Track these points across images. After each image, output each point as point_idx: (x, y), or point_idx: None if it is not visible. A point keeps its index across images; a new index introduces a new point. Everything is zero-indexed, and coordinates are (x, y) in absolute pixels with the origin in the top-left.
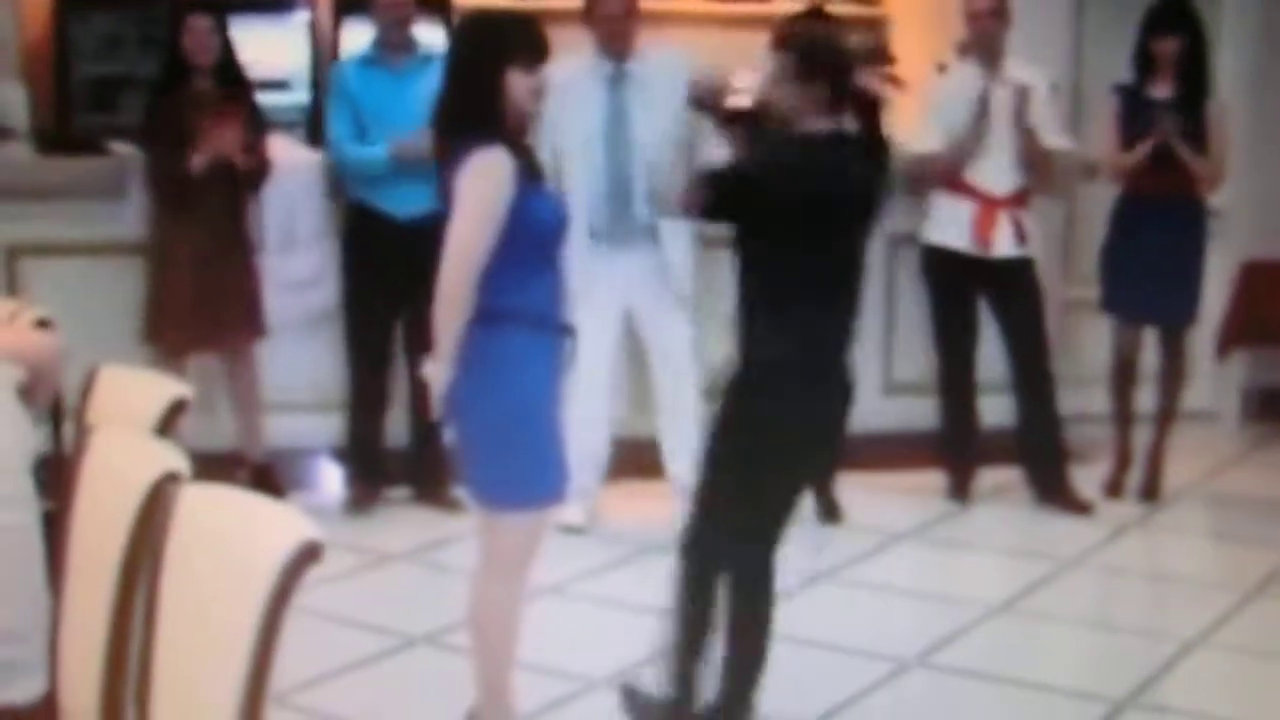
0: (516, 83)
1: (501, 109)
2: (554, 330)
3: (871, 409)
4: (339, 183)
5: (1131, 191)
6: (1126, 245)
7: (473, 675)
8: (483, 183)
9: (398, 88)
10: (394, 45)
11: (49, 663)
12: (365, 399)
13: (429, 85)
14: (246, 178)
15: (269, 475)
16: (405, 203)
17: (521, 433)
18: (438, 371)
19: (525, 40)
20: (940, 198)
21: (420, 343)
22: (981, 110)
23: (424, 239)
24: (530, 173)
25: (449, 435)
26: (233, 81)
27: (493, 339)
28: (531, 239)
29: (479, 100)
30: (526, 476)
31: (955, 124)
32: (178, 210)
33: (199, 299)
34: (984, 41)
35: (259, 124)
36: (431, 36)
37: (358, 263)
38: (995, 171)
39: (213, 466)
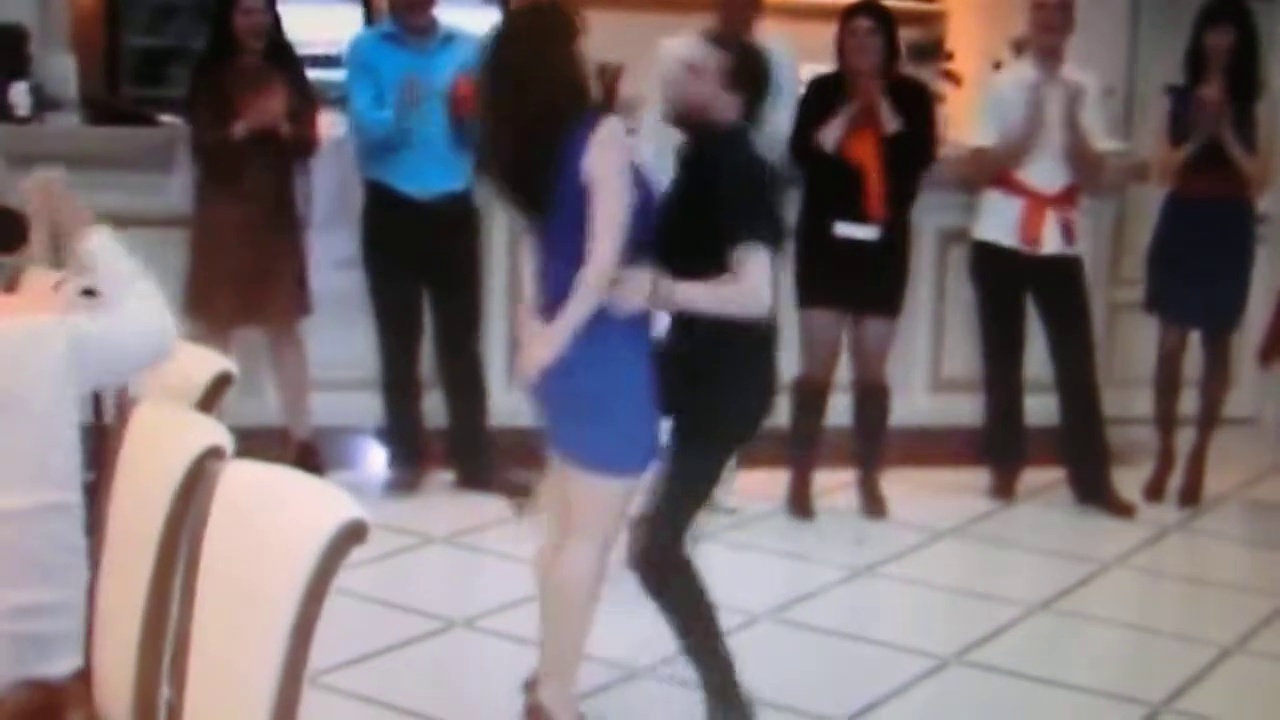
0: (580, 57)
1: (581, 84)
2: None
3: (918, 405)
4: (358, 160)
5: (1180, 192)
6: (1173, 246)
7: (540, 641)
8: (614, 151)
9: (418, 66)
10: (415, 29)
11: (85, 638)
12: (397, 381)
13: (450, 63)
14: (293, 148)
15: (311, 454)
16: (426, 182)
17: (623, 400)
18: (556, 338)
19: (570, 18)
20: (990, 194)
21: (448, 323)
22: (1036, 109)
23: (446, 219)
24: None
25: (542, 395)
26: (280, 56)
27: (600, 308)
28: (634, 210)
29: (556, 81)
30: (623, 443)
31: (1009, 121)
32: (221, 182)
33: (241, 273)
34: (1044, 40)
35: (307, 97)
36: (485, 20)
37: (377, 244)
38: (1045, 169)
39: (256, 442)
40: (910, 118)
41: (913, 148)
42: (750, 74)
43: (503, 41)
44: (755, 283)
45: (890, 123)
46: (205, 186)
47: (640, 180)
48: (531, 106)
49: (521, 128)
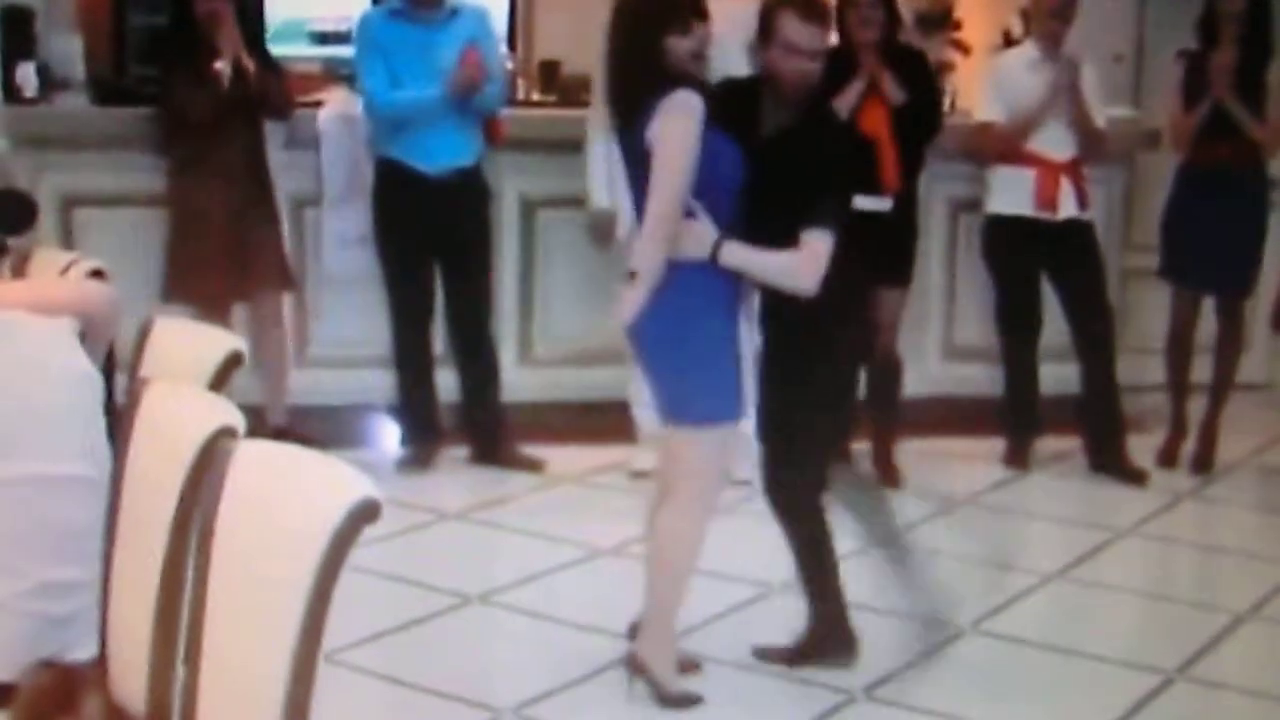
0: (675, 46)
1: (666, 72)
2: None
3: (932, 373)
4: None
5: (1192, 159)
6: (1186, 213)
7: (645, 586)
8: (678, 121)
9: (428, 41)
10: (422, 3)
11: (100, 622)
12: (410, 358)
13: (459, 37)
14: (261, 102)
15: (287, 440)
16: (436, 157)
17: (702, 352)
18: (634, 297)
19: (676, 4)
20: (999, 170)
21: (459, 298)
22: (1051, 93)
23: (456, 194)
24: (713, 120)
25: (634, 350)
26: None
27: (678, 265)
28: (709, 173)
29: (643, 68)
30: (707, 393)
31: (1016, 96)
32: (199, 159)
33: (227, 251)
34: (1050, 27)
35: (271, 65)
36: None
37: (388, 220)
38: (1054, 138)
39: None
40: (913, 87)
41: (919, 118)
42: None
43: (610, 21)
44: (810, 265)
45: (895, 94)
46: (182, 166)
47: (719, 153)
48: (613, 91)
49: (612, 101)
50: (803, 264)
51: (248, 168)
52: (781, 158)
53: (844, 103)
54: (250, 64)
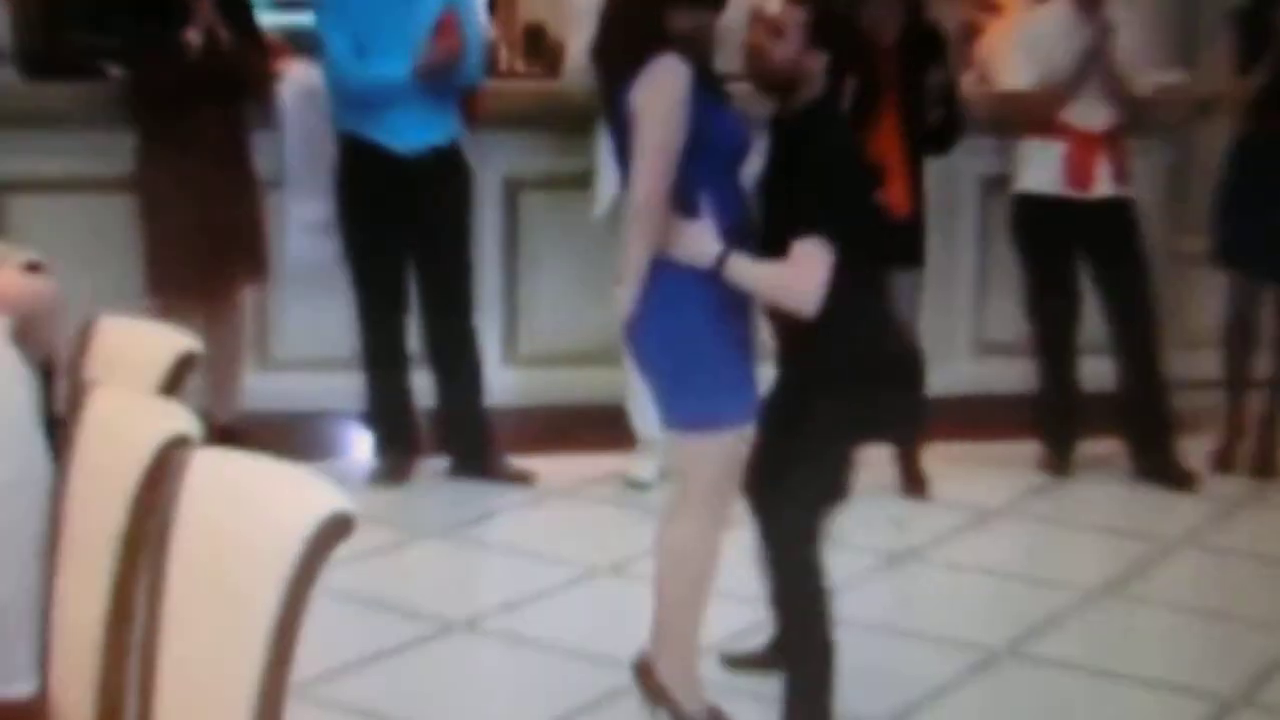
0: (674, 20)
1: (660, 37)
2: (737, 246)
3: (961, 371)
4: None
5: (1251, 129)
6: (1244, 189)
7: (653, 615)
8: (659, 92)
9: (399, 4)
10: None
11: (40, 652)
12: (381, 358)
13: (434, 1)
14: (237, 77)
15: (234, 442)
16: (405, 134)
17: (702, 352)
18: (625, 292)
19: None
20: (1029, 141)
21: (436, 292)
22: (1087, 57)
23: (430, 175)
24: (711, 90)
25: (632, 355)
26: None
27: (670, 258)
28: (710, 157)
29: (637, 29)
30: (709, 396)
31: (1050, 61)
32: (168, 137)
33: (199, 239)
34: None
35: (250, 33)
36: None
37: (354, 204)
38: (1088, 107)
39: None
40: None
41: (940, 137)
42: (833, 29)
43: None
44: (804, 278)
45: (935, 113)
46: (152, 144)
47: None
48: (604, 60)
49: (596, 56)
50: (793, 278)
51: (221, 144)
52: (778, 154)
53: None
54: (225, 33)
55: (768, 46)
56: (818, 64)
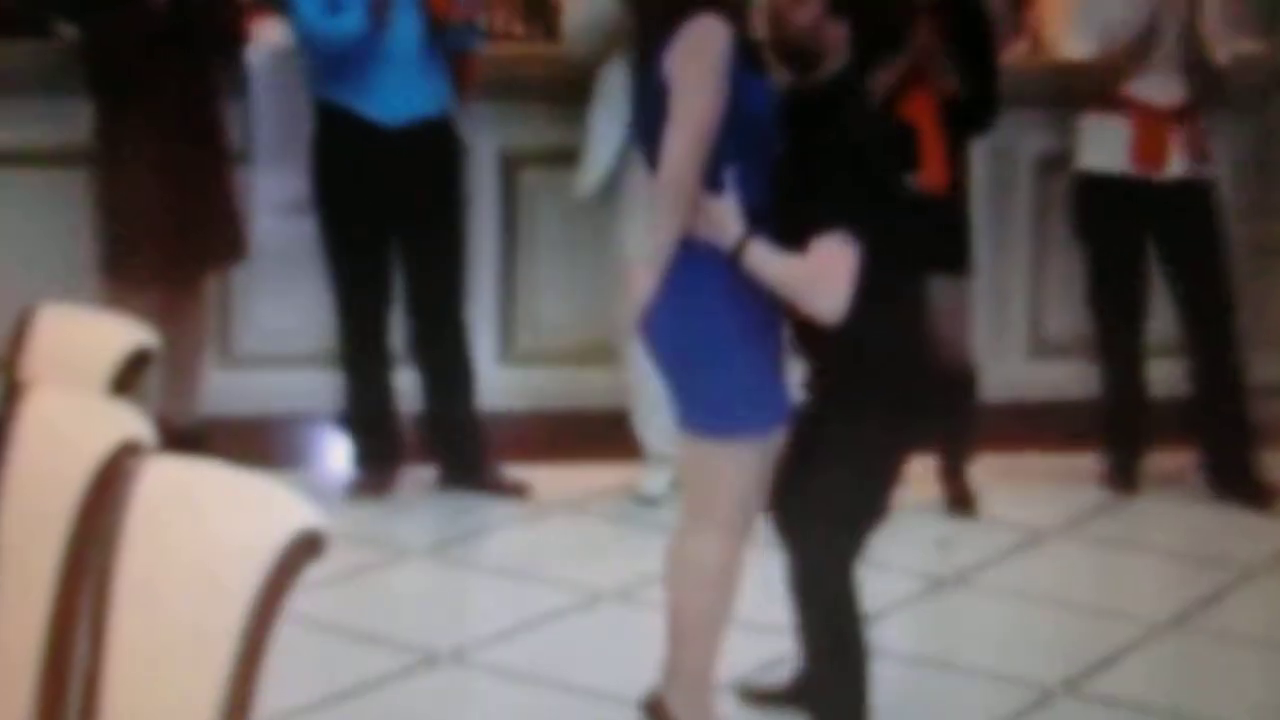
0: None
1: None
2: (760, 229)
3: (1014, 374)
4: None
5: None
6: None
7: (664, 645)
8: (698, 56)
9: None
10: None
11: None
12: (362, 356)
13: None
14: (208, 35)
15: (195, 448)
16: (393, 104)
17: (721, 347)
18: (644, 277)
19: None
20: (1091, 115)
21: (424, 282)
22: (1153, 23)
23: (418, 150)
24: (747, 56)
25: (645, 353)
26: None
27: (693, 244)
28: (741, 129)
29: None
30: (730, 399)
31: (1112, 23)
32: (131, 103)
33: (164, 216)
34: None
35: None
36: None
37: (331, 181)
38: (1159, 80)
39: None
40: (967, 57)
41: (968, 109)
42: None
43: None
44: (826, 278)
45: (947, 80)
46: (111, 114)
47: (754, 100)
48: (640, 10)
49: (634, 19)
50: (816, 278)
51: (190, 114)
52: (794, 132)
53: (881, 83)
54: None
55: (786, 11)
56: (840, 33)
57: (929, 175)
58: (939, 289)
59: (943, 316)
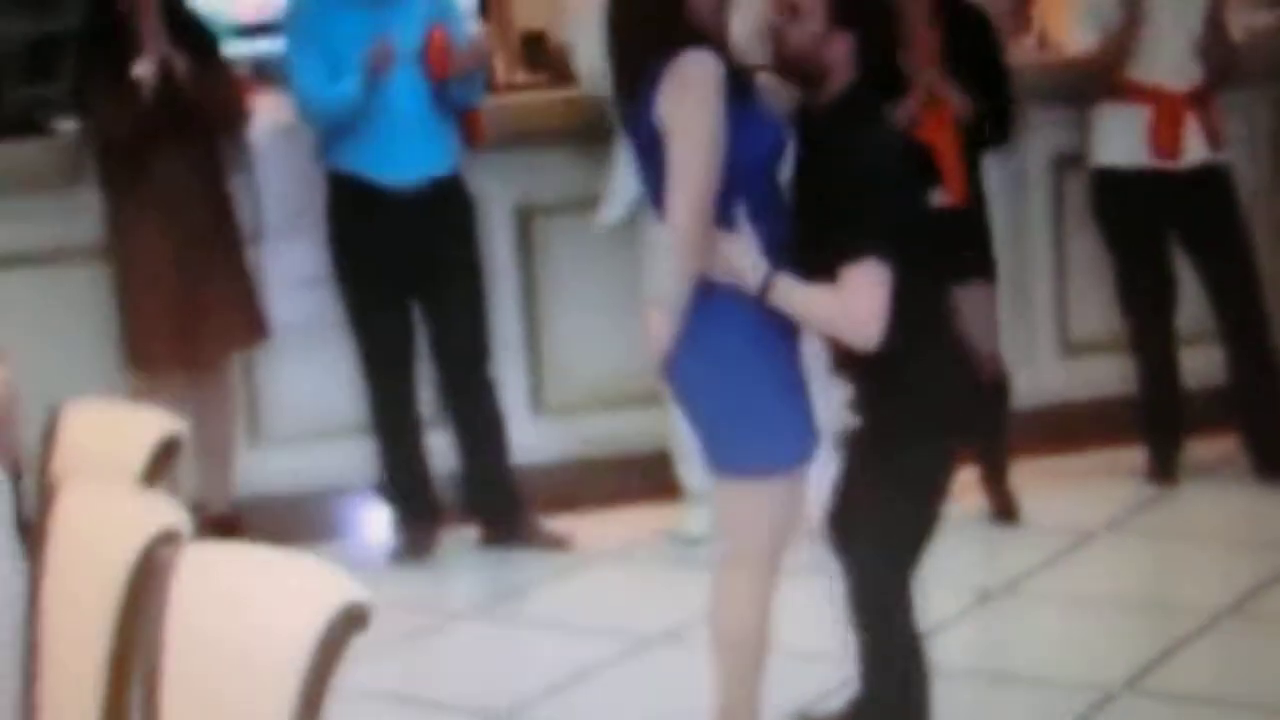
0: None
1: (683, 20)
2: (779, 260)
3: (1046, 376)
4: (316, 147)
5: None
6: None
7: (713, 680)
8: (692, 95)
9: (378, 24)
10: None
11: None
12: (391, 420)
13: (417, 16)
14: (206, 112)
15: (232, 531)
16: (403, 166)
17: (748, 388)
18: (663, 324)
19: None
20: (1105, 108)
21: (448, 342)
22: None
23: (431, 211)
24: (739, 88)
25: (670, 396)
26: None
27: (708, 284)
28: (744, 162)
29: (655, 18)
30: (755, 437)
31: (1104, 11)
32: (137, 193)
33: (179, 305)
34: None
35: (215, 66)
36: None
37: (347, 250)
38: (1171, 62)
39: None
40: (976, 72)
41: (988, 129)
42: (859, 3)
43: None
44: (860, 308)
45: (960, 105)
46: (119, 203)
47: (754, 132)
48: (618, 44)
49: (613, 59)
50: (850, 311)
51: (197, 195)
52: (806, 153)
53: (901, 116)
54: (181, 63)
55: (785, 30)
56: (843, 48)
57: (949, 193)
58: (966, 298)
59: (972, 325)
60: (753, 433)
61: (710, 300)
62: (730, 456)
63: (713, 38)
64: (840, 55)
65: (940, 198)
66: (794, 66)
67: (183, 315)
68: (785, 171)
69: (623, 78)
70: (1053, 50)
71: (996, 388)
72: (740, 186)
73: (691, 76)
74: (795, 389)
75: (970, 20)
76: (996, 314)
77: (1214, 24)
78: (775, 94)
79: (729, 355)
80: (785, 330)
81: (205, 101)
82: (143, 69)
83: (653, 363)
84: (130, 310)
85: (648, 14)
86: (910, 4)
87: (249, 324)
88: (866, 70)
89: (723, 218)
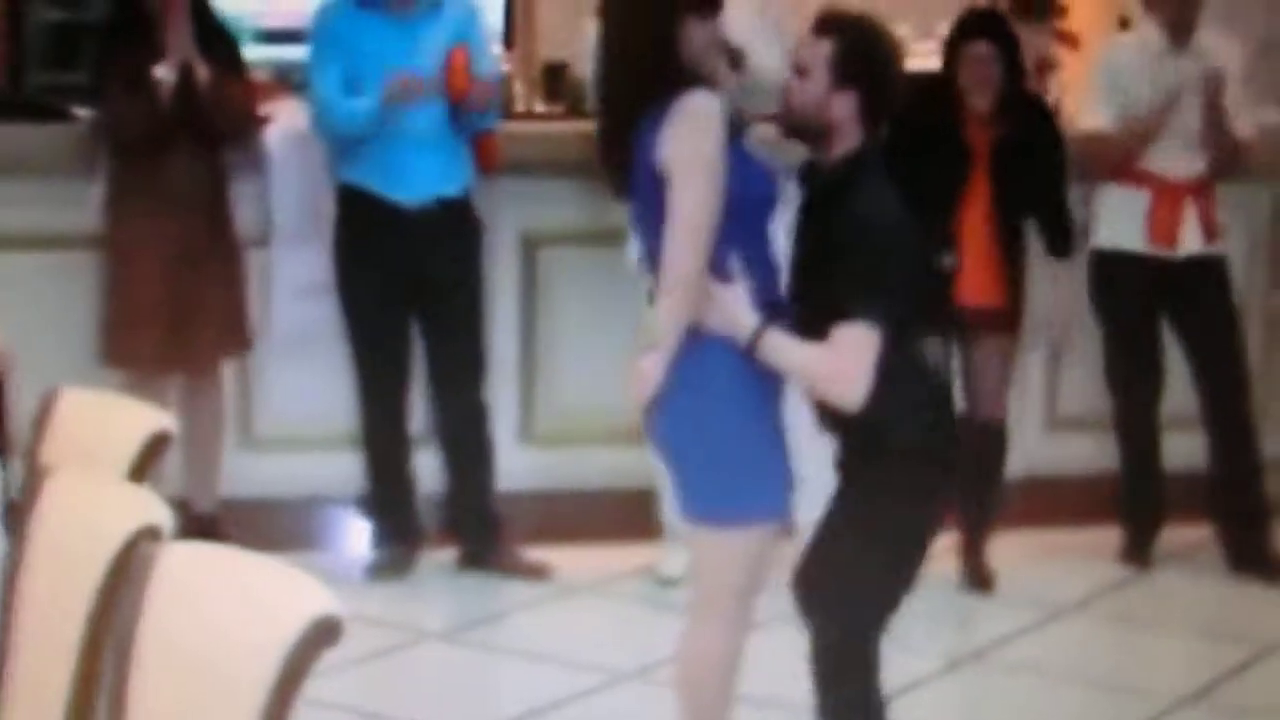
0: (694, 33)
1: (680, 68)
2: (769, 312)
3: (1031, 449)
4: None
5: None
6: None
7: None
8: (697, 134)
9: (401, 38)
10: None
11: None
12: (381, 437)
13: (440, 34)
14: (219, 117)
15: (215, 532)
16: (413, 184)
17: (729, 437)
18: (654, 367)
19: None
20: (1108, 190)
21: (444, 362)
22: (1171, 96)
23: (438, 230)
24: (733, 132)
25: (651, 437)
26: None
27: (697, 333)
28: (739, 210)
29: (657, 55)
30: (736, 488)
31: (1132, 99)
32: (141, 187)
33: (171, 304)
34: (1176, 9)
35: (236, 71)
36: None
37: (352, 263)
38: (1175, 154)
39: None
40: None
41: (1045, 245)
42: (864, 61)
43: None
44: (847, 369)
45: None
46: (120, 198)
47: (748, 177)
48: (613, 87)
49: (603, 101)
50: (834, 367)
51: (200, 199)
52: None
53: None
54: (204, 70)
55: (789, 88)
56: (847, 109)
57: (974, 290)
58: (982, 344)
59: (983, 369)
60: (730, 482)
61: (698, 350)
62: (707, 504)
63: (705, 80)
64: (844, 114)
65: (951, 262)
66: (800, 124)
67: (167, 318)
68: (774, 226)
69: (613, 123)
70: (1066, 123)
71: (994, 438)
72: (734, 234)
73: (698, 114)
74: (775, 441)
75: (1034, 110)
76: (1010, 364)
77: (1212, 115)
78: (779, 149)
79: (710, 408)
80: (769, 382)
81: (220, 111)
82: (164, 71)
83: (636, 407)
84: (112, 306)
85: (642, 56)
86: (973, 89)
87: (233, 333)
88: (873, 130)
89: (718, 268)
